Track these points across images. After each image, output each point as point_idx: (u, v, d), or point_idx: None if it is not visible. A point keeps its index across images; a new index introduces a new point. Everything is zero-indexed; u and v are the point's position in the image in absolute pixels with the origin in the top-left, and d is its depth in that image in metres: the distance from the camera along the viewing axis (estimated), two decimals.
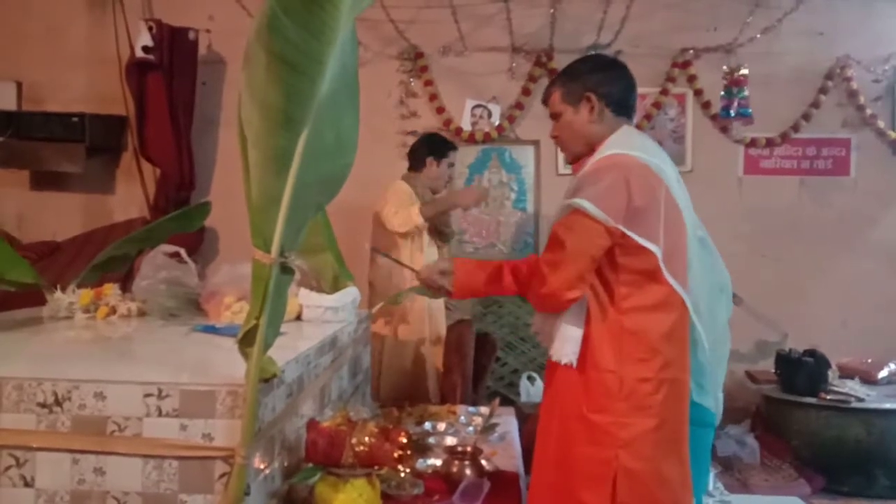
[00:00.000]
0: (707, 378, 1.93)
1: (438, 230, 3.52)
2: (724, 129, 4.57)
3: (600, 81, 1.89)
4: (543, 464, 1.88)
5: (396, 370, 3.40)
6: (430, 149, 3.54)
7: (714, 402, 1.97)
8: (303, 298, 2.38)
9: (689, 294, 1.80)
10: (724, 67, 4.38)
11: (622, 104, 1.90)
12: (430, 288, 2.13)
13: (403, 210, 3.26)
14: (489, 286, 2.01)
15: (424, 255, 3.35)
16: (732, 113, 4.36)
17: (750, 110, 4.34)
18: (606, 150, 1.83)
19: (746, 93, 4.33)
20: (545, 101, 2.01)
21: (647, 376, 1.73)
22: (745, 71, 4.30)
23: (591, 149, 1.89)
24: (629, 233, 1.70)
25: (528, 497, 1.95)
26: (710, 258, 1.99)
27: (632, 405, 1.73)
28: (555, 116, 1.97)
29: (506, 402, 3.55)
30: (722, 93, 4.40)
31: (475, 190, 2.94)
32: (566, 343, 1.79)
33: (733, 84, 4.33)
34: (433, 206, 3.25)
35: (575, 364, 1.78)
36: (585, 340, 1.77)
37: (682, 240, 1.83)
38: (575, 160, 1.97)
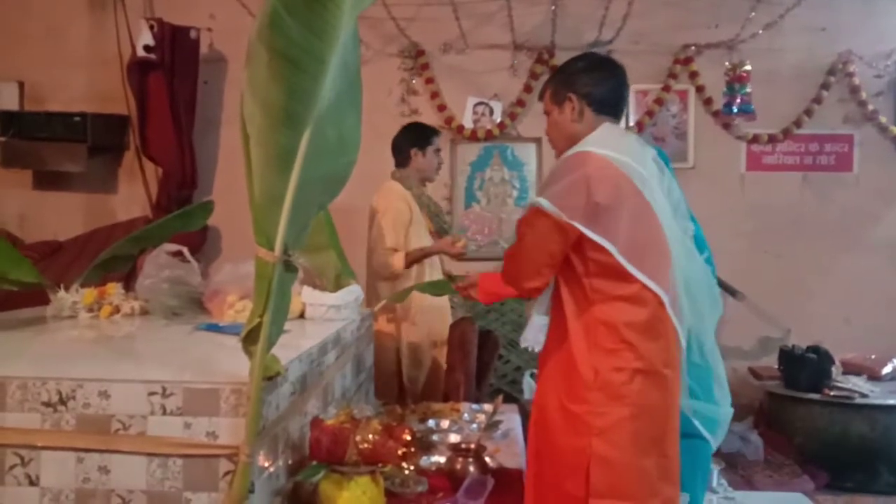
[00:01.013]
0: (684, 380, 1.91)
1: (439, 231, 3.54)
2: (727, 126, 4.55)
3: (584, 82, 1.92)
4: (533, 456, 1.92)
5: (418, 371, 3.39)
6: (412, 140, 3.41)
7: (689, 408, 1.94)
8: (306, 297, 2.39)
9: (668, 293, 1.80)
10: (727, 63, 4.38)
11: (605, 104, 1.92)
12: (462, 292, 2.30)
13: (387, 252, 3.20)
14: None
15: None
16: (735, 109, 4.35)
17: (752, 106, 4.33)
18: (578, 147, 1.85)
19: (749, 89, 4.32)
20: (541, 98, 2.04)
21: (620, 366, 1.75)
22: (747, 67, 4.29)
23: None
24: (584, 230, 1.73)
25: (525, 489, 1.96)
26: (699, 259, 1.98)
27: (606, 395, 1.75)
28: (547, 113, 2.01)
29: (509, 399, 3.55)
30: (724, 89, 4.39)
31: (459, 243, 3.13)
32: (529, 329, 1.91)
33: (735, 80, 4.32)
34: (418, 253, 3.23)
35: (537, 349, 1.90)
36: (564, 333, 1.81)
37: (655, 238, 1.82)
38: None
